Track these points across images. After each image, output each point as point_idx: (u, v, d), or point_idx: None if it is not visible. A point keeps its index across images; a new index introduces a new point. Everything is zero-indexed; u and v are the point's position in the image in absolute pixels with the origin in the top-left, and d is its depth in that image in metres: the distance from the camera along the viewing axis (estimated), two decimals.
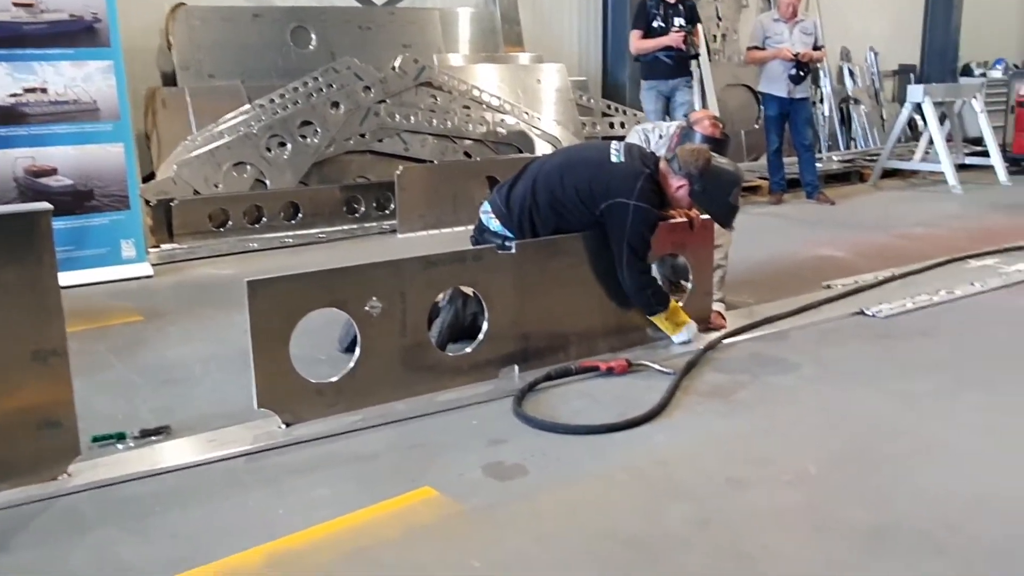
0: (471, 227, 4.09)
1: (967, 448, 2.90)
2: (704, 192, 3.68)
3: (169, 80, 7.20)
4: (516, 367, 3.55)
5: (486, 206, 3.93)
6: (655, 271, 4.00)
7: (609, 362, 3.58)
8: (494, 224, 3.85)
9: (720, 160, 3.77)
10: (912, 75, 12.32)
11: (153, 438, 2.99)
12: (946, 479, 2.68)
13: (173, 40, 7.14)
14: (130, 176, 5.50)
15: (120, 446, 2.93)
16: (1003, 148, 9.67)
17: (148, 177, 6.70)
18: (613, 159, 3.71)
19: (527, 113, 8.37)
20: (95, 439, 2.93)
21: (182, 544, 2.35)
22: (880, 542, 2.32)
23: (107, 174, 5.43)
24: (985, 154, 9.46)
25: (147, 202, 6.20)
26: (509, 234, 3.79)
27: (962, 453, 2.86)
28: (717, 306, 4.22)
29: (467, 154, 7.92)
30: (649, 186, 3.65)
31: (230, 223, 6.42)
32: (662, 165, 3.76)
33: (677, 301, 3.92)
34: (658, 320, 3.83)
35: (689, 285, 4.07)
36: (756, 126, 9.75)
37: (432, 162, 7.43)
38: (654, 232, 3.72)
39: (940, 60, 12.76)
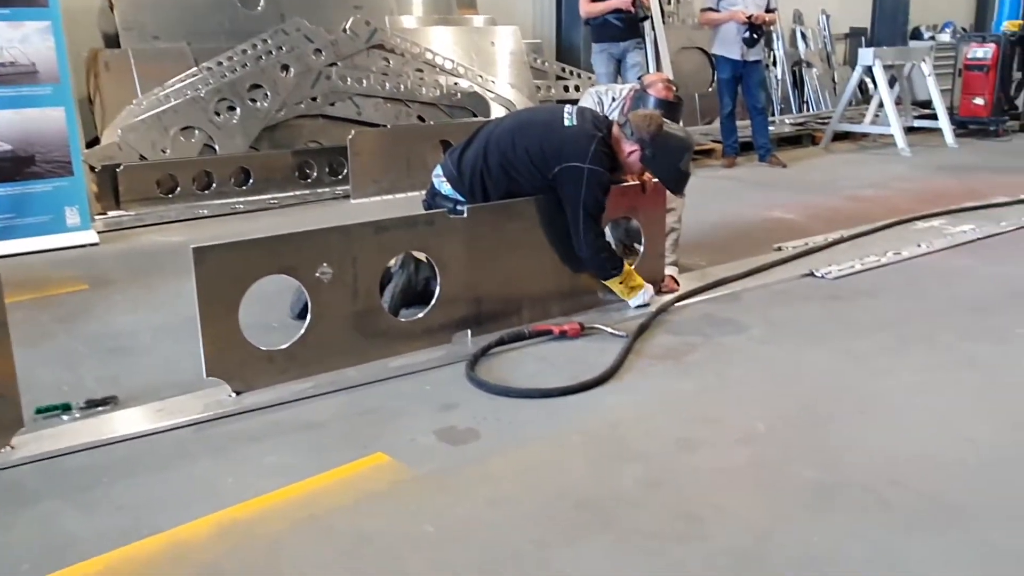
0: (425, 192, 4.04)
1: (910, 405, 2.96)
2: (655, 158, 3.68)
3: (112, 42, 6.97)
4: (469, 332, 3.54)
5: (438, 170, 3.89)
6: (608, 235, 4.00)
7: (562, 326, 3.58)
8: (445, 188, 3.81)
9: (672, 127, 3.76)
10: (863, 38, 12.41)
11: (99, 409, 2.92)
12: (890, 436, 2.73)
13: (115, 0, 6.90)
14: (72, 141, 5.32)
15: (65, 417, 2.86)
16: (950, 111, 9.82)
17: (92, 142, 6.51)
18: (565, 123, 3.68)
19: (481, 76, 8.27)
20: (39, 411, 2.85)
21: (128, 515, 2.31)
22: (826, 498, 2.36)
23: (48, 139, 5.25)
24: (933, 117, 9.60)
25: (92, 168, 6.02)
26: (461, 198, 3.75)
27: (905, 410, 2.92)
28: (671, 270, 4.24)
29: (421, 118, 7.81)
30: (602, 149, 3.64)
31: (179, 189, 6.27)
32: (614, 130, 3.74)
33: (630, 264, 3.92)
34: (613, 284, 3.83)
35: (641, 248, 4.08)
36: (710, 89, 9.76)
37: (385, 126, 7.31)
38: (608, 195, 3.71)
39: (891, 23, 12.87)
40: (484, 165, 3.70)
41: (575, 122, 3.68)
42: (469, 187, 3.73)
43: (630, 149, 3.69)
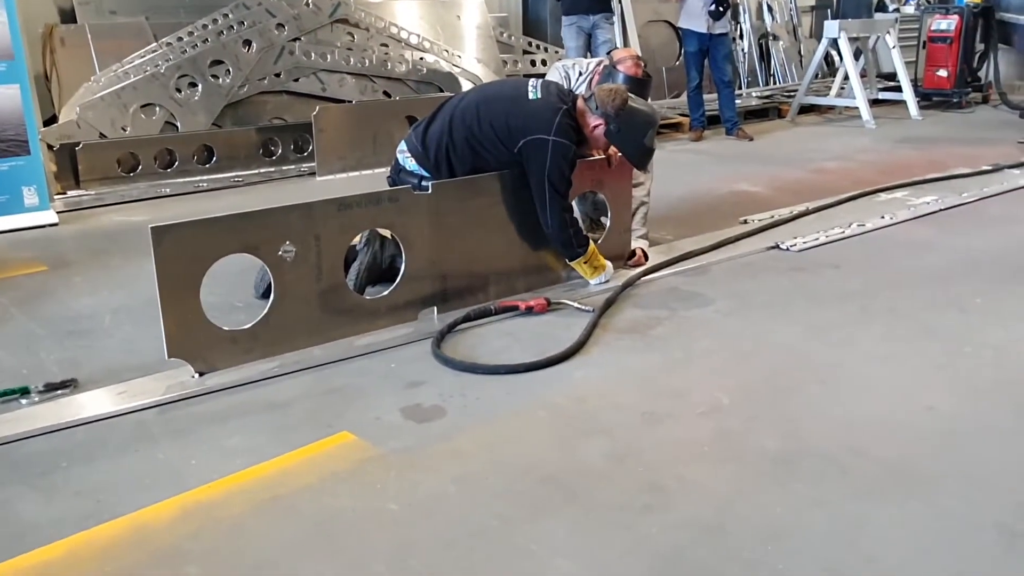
0: (390, 168, 4.00)
1: (871, 375, 2.99)
2: (620, 132, 3.66)
3: (68, 17, 6.80)
4: (435, 309, 3.52)
5: (402, 145, 3.84)
6: (576, 210, 3.98)
7: (528, 301, 3.58)
8: (410, 164, 3.77)
9: (637, 101, 3.75)
10: (829, 11, 12.43)
11: (59, 392, 2.87)
12: (850, 405, 2.76)
13: None
14: (28, 119, 5.19)
15: (24, 401, 2.81)
16: (915, 83, 9.89)
17: (50, 121, 6.36)
18: (530, 95, 3.65)
19: (447, 51, 8.19)
20: None
21: (89, 500, 2.27)
22: (788, 468, 2.39)
23: (3, 117, 5.12)
24: (897, 89, 9.66)
25: (50, 147, 5.88)
26: (425, 174, 3.71)
27: (865, 380, 2.96)
28: (640, 243, 4.24)
29: (387, 93, 7.73)
30: (567, 122, 3.61)
31: (140, 168, 6.16)
32: (579, 103, 3.72)
33: (596, 239, 3.91)
34: (576, 264, 3.81)
35: (608, 222, 4.07)
36: (677, 63, 9.74)
37: (350, 102, 7.22)
38: (574, 169, 3.69)
39: None
40: (449, 140, 3.66)
41: (540, 95, 3.65)
42: (434, 162, 3.69)
43: (595, 123, 3.67)
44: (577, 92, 3.99)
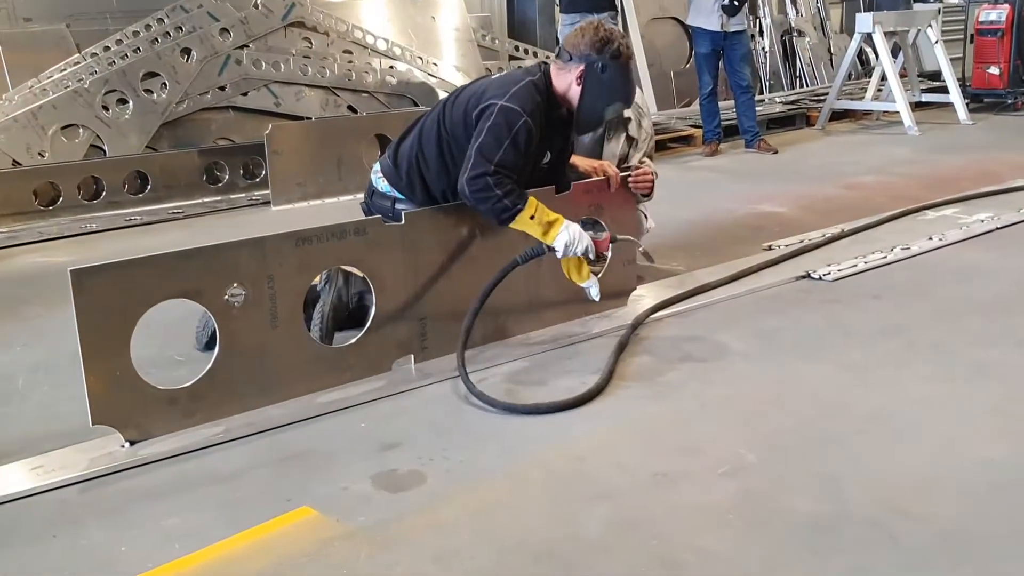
0: (362, 195, 4.05)
1: (917, 423, 3.02)
2: (608, 72, 3.55)
3: None
4: (412, 358, 3.54)
5: (377, 165, 3.92)
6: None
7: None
8: (382, 185, 3.82)
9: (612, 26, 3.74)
10: (861, 2, 12.67)
11: None
12: (895, 459, 2.78)
13: None
14: None
15: None
16: (962, 83, 10.05)
17: None
18: (494, 76, 3.65)
19: (421, 58, 8.31)
20: None
21: None
22: (825, 535, 2.40)
23: None
24: (943, 90, 9.82)
25: None
26: (399, 195, 3.76)
27: (911, 428, 2.98)
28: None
29: (352, 108, 7.83)
30: (528, 92, 3.51)
31: (61, 200, 6.21)
32: (552, 69, 3.67)
33: (596, 275, 3.82)
34: (524, 225, 3.51)
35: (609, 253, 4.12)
36: (687, 66, 9.89)
37: (309, 119, 7.31)
38: (522, 147, 3.47)
39: None
40: (420, 154, 3.70)
41: (503, 73, 3.63)
42: (407, 181, 3.74)
43: (576, 74, 3.58)
44: None
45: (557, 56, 3.68)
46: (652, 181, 4.18)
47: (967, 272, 4.60)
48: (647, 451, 2.89)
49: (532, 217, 3.48)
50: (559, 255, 3.54)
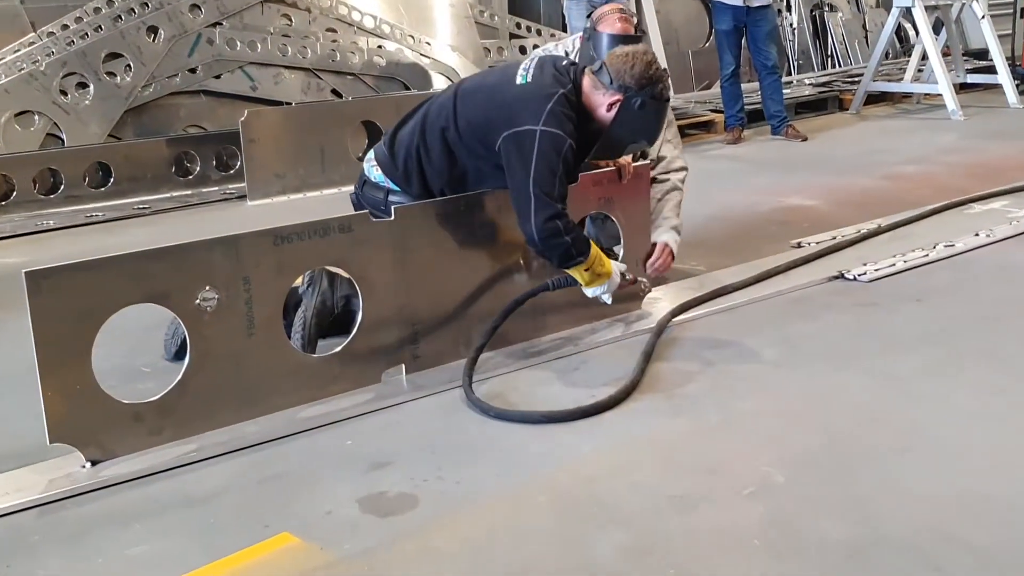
0: (347, 188, 4.06)
1: (962, 438, 3.02)
2: (643, 108, 3.63)
3: None
4: (403, 367, 3.55)
5: (371, 153, 3.94)
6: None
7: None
8: (375, 174, 3.84)
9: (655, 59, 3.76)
10: None
11: None
12: (938, 478, 2.78)
13: None
14: None
15: None
16: (1011, 62, 10.06)
17: None
18: (518, 80, 3.67)
19: (412, 37, 8.31)
20: None
21: None
22: (861, 563, 2.40)
23: None
24: (991, 70, 9.82)
25: None
26: (393, 186, 3.78)
27: (956, 445, 2.98)
28: (669, 236, 4.30)
29: (336, 93, 7.84)
30: (563, 110, 3.58)
31: (15, 194, 6.23)
32: (586, 80, 3.71)
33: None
34: (573, 271, 3.68)
35: (620, 251, 4.13)
36: (707, 45, 9.90)
37: (289, 104, 7.31)
38: (572, 169, 3.65)
39: None
40: (422, 144, 3.72)
41: (530, 78, 3.66)
42: (403, 172, 3.75)
43: (611, 100, 3.64)
44: None
45: (595, 71, 3.67)
46: (668, 265, 4.25)
47: (1018, 272, 4.60)
48: (664, 470, 2.89)
49: (587, 269, 3.65)
50: (587, 295, 3.74)
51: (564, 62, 3.84)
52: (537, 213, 3.51)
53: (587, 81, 3.70)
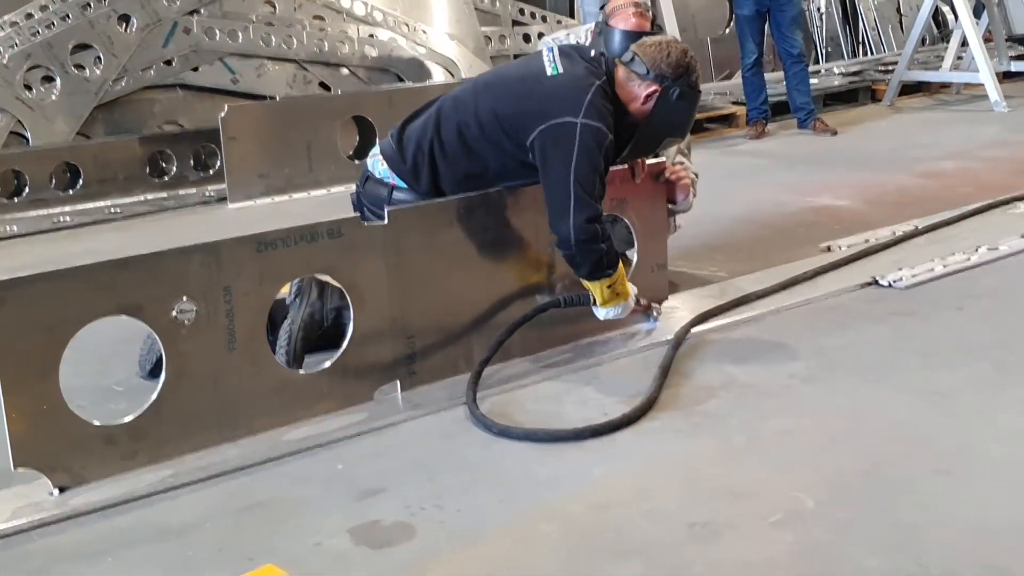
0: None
1: (1010, 460, 3.01)
2: (680, 99, 3.71)
3: None
4: (398, 384, 3.54)
5: (376, 148, 3.96)
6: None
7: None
8: (380, 168, 3.86)
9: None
10: None
11: None
12: (985, 504, 2.77)
13: None
14: None
15: None
16: None
17: None
18: (549, 71, 3.71)
19: (407, 24, 8.32)
20: None
21: None
22: None
23: None
24: None
25: None
26: (399, 182, 3.79)
27: (1004, 467, 2.97)
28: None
29: (325, 86, 7.85)
30: (602, 102, 3.64)
31: None
32: (620, 71, 3.75)
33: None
34: (594, 285, 3.72)
35: (634, 256, 4.12)
36: (727, 32, 9.91)
37: (273, 98, 7.32)
38: (609, 166, 3.70)
39: None
40: (436, 138, 3.73)
41: (561, 69, 3.70)
42: (412, 165, 3.76)
43: (647, 91, 3.70)
44: None
45: (627, 62, 3.73)
46: (691, 180, 4.23)
47: None
48: (684, 496, 2.88)
49: (610, 286, 3.69)
50: (599, 317, 3.80)
51: (592, 52, 3.88)
52: (577, 213, 3.54)
53: (621, 72, 3.76)
